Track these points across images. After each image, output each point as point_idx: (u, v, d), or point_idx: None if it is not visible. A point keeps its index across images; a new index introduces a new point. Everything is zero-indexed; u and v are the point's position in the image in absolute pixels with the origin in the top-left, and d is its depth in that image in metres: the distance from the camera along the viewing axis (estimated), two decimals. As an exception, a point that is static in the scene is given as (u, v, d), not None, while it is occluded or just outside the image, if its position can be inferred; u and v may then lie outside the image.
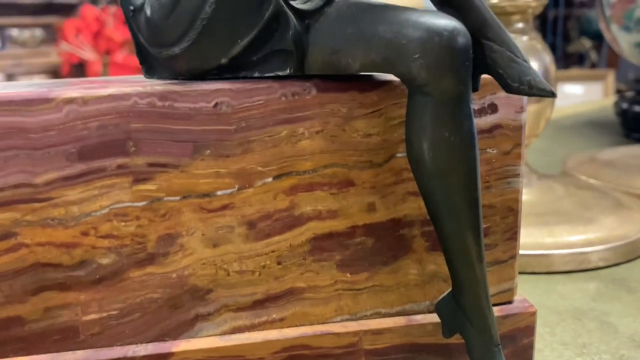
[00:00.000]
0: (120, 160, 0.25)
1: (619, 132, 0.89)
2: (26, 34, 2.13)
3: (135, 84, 0.25)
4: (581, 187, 0.57)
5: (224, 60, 0.25)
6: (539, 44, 0.52)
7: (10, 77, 2.01)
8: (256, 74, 0.26)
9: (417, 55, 0.22)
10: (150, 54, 0.27)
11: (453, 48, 0.22)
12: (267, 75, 0.26)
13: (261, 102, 0.26)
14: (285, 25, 0.25)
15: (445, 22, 0.22)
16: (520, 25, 0.50)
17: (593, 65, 2.55)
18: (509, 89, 0.24)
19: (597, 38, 2.49)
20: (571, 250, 0.46)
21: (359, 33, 0.24)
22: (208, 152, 0.26)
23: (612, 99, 1.18)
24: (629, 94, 0.86)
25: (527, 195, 0.52)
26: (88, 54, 1.81)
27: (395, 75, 0.23)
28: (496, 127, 0.28)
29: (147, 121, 0.25)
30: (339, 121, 0.26)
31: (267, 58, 0.25)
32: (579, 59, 2.68)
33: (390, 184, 0.27)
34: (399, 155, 0.27)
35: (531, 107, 0.52)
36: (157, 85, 0.25)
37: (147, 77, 0.29)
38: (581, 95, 1.87)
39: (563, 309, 0.40)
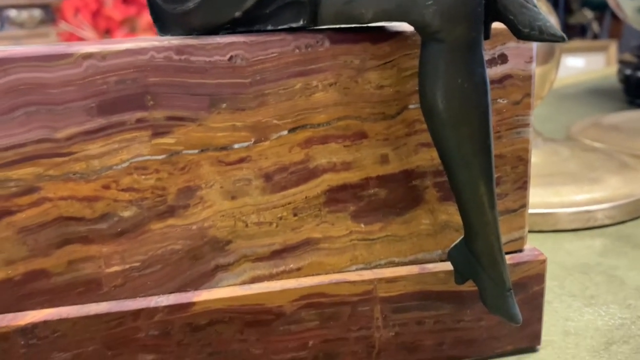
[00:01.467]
0: (139, 114, 0.25)
1: (622, 99, 0.89)
2: (24, 14, 2.12)
3: (151, 40, 0.26)
4: (586, 150, 0.57)
5: (237, 14, 0.26)
6: (544, 6, 0.52)
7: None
8: (269, 27, 0.26)
9: (430, 2, 0.23)
10: (163, 11, 0.28)
11: (465, -6, 0.22)
12: (280, 27, 0.26)
13: (275, 54, 0.26)
14: (298, -24, 0.25)
15: (458, -32, 0.23)
16: (525, -14, 0.50)
17: (595, 37, 2.54)
18: (519, 34, 0.24)
19: (599, 9, 2.47)
20: (577, 208, 0.47)
21: (371, -18, 0.24)
22: (224, 105, 0.26)
23: (614, 67, 1.18)
24: (633, 59, 0.85)
25: (533, 157, 0.52)
26: (88, 34, 1.80)
27: (409, 23, 0.24)
28: (506, 77, 0.28)
29: (164, 75, 0.25)
30: (351, 73, 0.27)
31: (280, 10, 0.26)
32: (581, 31, 2.66)
33: (403, 135, 0.28)
34: (411, 107, 0.28)
35: (536, 70, 0.53)
36: (173, 39, 0.26)
37: (161, 35, 0.29)
38: (583, 68, 1.87)
39: (570, 264, 0.41)
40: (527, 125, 0.29)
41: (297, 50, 0.26)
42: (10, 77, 0.24)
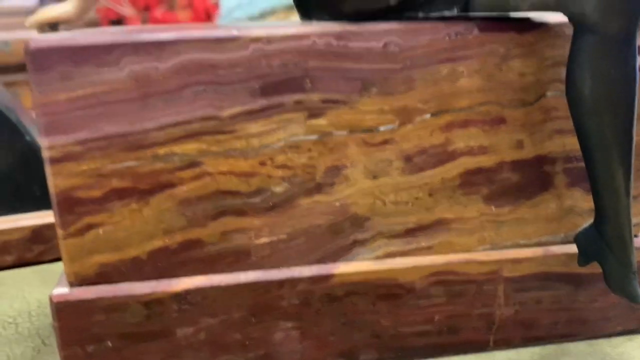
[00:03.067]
0: (297, 97, 0.27)
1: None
2: (64, -11, 2.13)
3: (312, 26, 0.27)
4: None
5: (392, 1, 0.27)
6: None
7: (49, 33, 2.00)
8: (420, 14, 0.27)
9: (592, -4, 0.24)
10: (311, -3, 0.29)
11: (628, -12, 0.23)
12: (431, 15, 0.27)
13: (426, 41, 0.27)
14: (455, -33, 0.26)
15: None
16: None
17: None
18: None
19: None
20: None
21: (531, -25, 0.25)
22: (375, 89, 0.27)
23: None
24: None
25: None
26: (126, 10, 1.81)
27: (566, 14, 0.25)
28: (641, 68, 0.29)
29: (323, 59, 0.27)
30: (496, 60, 0.28)
31: (434, -1, 0.27)
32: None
33: (539, 122, 0.29)
34: (549, 94, 0.29)
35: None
36: (333, 25, 0.27)
37: (302, 19, 0.30)
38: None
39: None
40: (655, 115, 0.30)
41: (447, 38, 0.27)
42: (182, 58, 0.26)
